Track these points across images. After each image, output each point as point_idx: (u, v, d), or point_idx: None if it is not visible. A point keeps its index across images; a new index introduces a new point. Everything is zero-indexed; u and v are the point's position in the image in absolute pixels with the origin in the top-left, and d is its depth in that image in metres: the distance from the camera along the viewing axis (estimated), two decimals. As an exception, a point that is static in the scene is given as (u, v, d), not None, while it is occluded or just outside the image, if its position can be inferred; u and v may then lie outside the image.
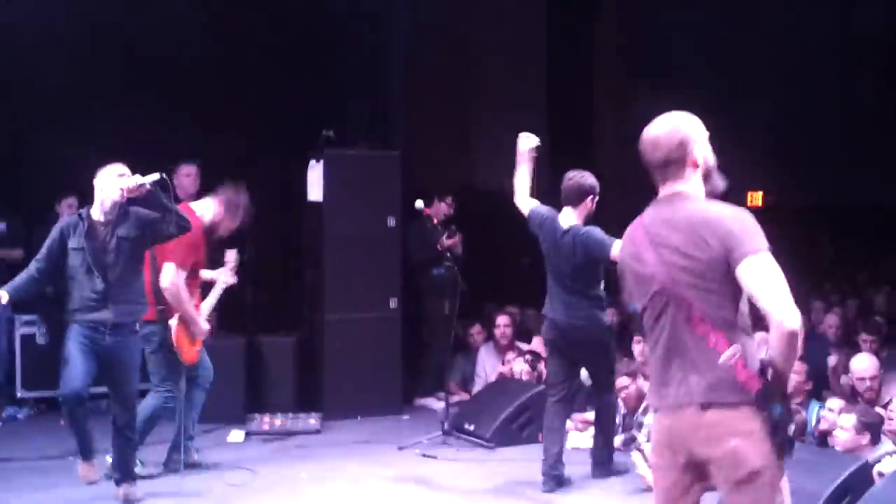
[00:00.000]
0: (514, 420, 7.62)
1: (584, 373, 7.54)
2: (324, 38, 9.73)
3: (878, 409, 6.33)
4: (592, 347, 6.56)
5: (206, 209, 6.61)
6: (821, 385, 7.45)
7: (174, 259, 6.30)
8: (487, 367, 9.12)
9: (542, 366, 8.35)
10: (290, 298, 9.12)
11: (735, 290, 3.31)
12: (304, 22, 9.74)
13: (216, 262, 6.94)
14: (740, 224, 3.35)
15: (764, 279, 3.26)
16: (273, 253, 9.26)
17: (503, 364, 8.78)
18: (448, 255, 8.50)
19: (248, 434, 7.79)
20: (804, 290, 11.68)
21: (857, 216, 14.56)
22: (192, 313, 6.44)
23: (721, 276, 3.31)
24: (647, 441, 6.44)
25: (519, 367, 8.42)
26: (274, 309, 9.02)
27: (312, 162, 8.60)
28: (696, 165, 3.51)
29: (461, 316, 9.18)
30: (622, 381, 7.30)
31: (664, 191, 3.53)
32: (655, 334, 3.49)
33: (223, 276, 6.98)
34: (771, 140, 14.59)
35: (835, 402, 6.46)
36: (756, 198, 15.41)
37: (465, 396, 8.91)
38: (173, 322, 6.36)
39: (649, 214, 3.55)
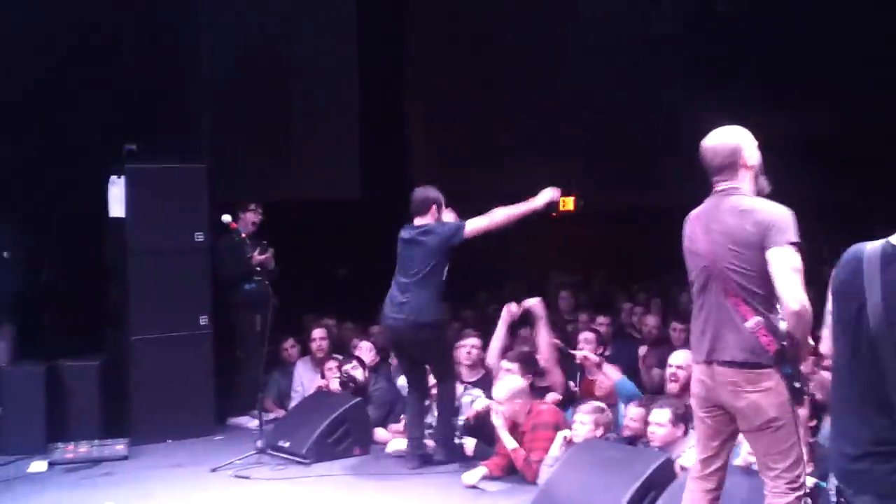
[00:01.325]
0: (330, 434, 7.51)
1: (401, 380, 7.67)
2: (125, 48, 9.41)
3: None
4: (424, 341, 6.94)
5: None
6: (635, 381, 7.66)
7: None
8: (305, 381, 8.97)
9: (362, 376, 8.28)
10: (93, 319, 8.73)
11: (766, 271, 4.09)
12: (104, 32, 9.39)
13: None
14: (778, 218, 4.15)
15: (783, 267, 4.07)
16: (72, 272, 8.87)
17: (321, 377, 8.66)
18: (258, 269, 8.32)
19: (51, 464, 7.41)
20: (613, 290, 12.05)
21: (663, 218, 15.05)
22: None
23: (756, 258, 4.12)
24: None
25: (335, 383, 8.32)
26: (75, 331, 8.62)
27: (113, 177, 8.28)
28: (746, 168, 4.33)
29: (277, 331, 9.02)
30: None
31: (719, 186, 4.35)
32: (700, 301, 4.35)
33: None
34: (580, 145, 14.94)
35: (633, 411, 6.61)
36: (567, 202, 15.77)
37: (281, 413, 8.74)
38: None
39: (706, 205, 4.41)
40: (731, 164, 4.33)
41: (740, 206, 4.26)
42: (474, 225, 7.06)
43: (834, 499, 3.28)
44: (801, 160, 10.98)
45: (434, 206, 7.13)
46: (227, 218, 7.96)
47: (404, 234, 7.22)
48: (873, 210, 9.63)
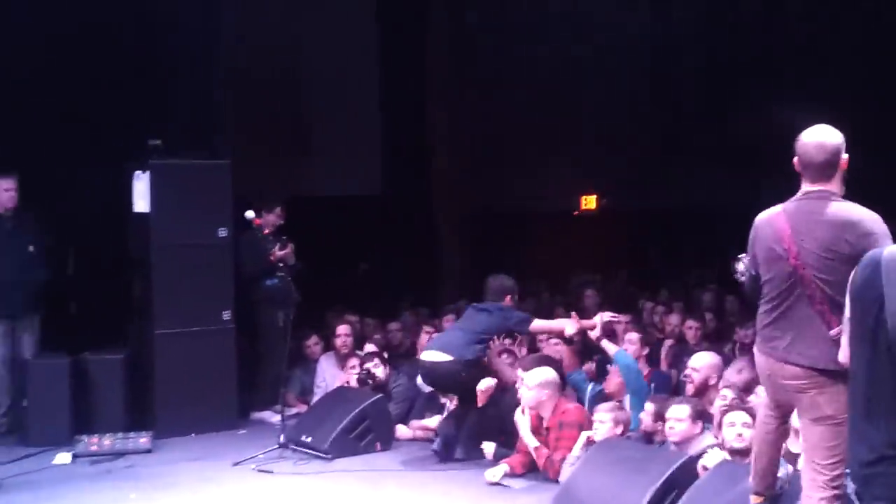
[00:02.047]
0: (352, 430, 7.54)
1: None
2: (147, 45, 9.46)
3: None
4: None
5: None
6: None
7: None
8: (328, 377, 9.00)
9: (384, 373, 8.32)
10: (118, 313, 8.79)
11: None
12: (126, 30, 9.45)
13: None
14: (876, 229, 4.13)
15: None
16: (97, 266, 8.93)
17: (344, 373, 8.68)
18: (281, 265, 8.36)
19: (75, 456, 7.46)
20: (634, 290, 12.04)
21: (688, 219, 15.02)
22: None
23: (848, 269, 3.93)
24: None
25: (356, 377, 8.33)
26: (100, 325, 8.68)
27: (138, 172, 8.33)
28: (842, 169, 4.31)
29: (299, 326, 9.06)
30: None
31: (812, 187, 4.30)
32: (775, 302, 4.37)
33: None
34: (602, 144, 14.93)
35: (649, 406, 6.62)
36: (590, 201, 15.78)
37: (304, 409, 8.77)
38: None
39: (794, 206, 4.35)
40: (831, 165, 4.30)
41: (840, 215, 4.22)
42: (537, 324, 7.63)
43: (856, 502, 3.29)
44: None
45: (508, 296, 7.57)
46: (250, 214, 8.00)
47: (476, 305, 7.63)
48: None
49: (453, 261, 13.42)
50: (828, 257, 4.19)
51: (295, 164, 12.33)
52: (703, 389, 6.79)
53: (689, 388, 6.78)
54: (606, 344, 7.37)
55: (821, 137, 4.35)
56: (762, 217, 4.52)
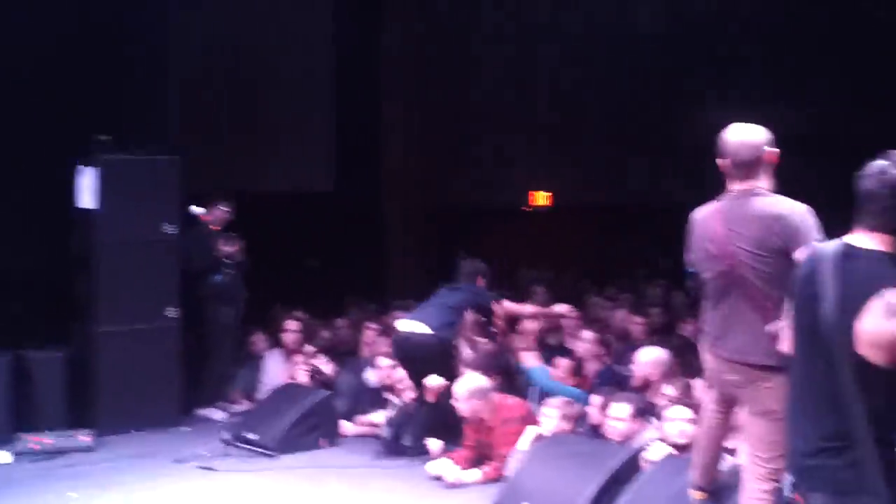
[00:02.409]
0: (298, 427, 7.50)
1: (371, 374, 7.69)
2: (97, 38, 9.32)
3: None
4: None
5: None
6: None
7: None
8: (273, 374, 8.93)
9: (329, 370, 8.29)
10: (60, 310, 8.65)
11: (788, 276, 3.85)
12: (72, 20, 9.29)
13: None
14: (803, 220, 4.18)
15: None
16: (38, 262, 8.77)
17: (289, 369, 8.63)
18: (228, 261, 8.29)
19: (16, 454, 7.34)
20: (584, 286, 12.07)
21: (637, 215, 15.11)
22: None
23: (780, 263, 4.11)
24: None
25: (303, 375, 8.31)
26: (42, 321, 8.53)
27: (81, 167, 8.21)
28: (767, 165, 4.35)
29: (247, 323, 9.00)
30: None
31: (741, 185, 4.34)
32: (716, 301, 4.43)
33: None
34: (555, 141, 14.96)
35: (596, 399, 6.63)
36: (540, 197, 15.79)
37: (249, 405, 8.69)
38: None
39: (725, 204, 4.38)
40: (755, 161, 4.33)
41: (767, 210, 4.26)
42: (508, 305, 7.81)
43: (789, 495, 3.31)
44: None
45: (480, 276, 7.72)
46: (196, 209, 7.92)
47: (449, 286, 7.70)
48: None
49: (403, 258, 13.40)
50: (761, 253, 4.23)
51: (246, 160, 12.22)
52: (648, 384, 6.83)
53: (634, 383, 6.81)
54: (527, 357, 7.47)
55: (745, 135, 4.38)
56: (698, 215, 4.55)
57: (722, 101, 12.10)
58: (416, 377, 7.31)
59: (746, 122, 4.48)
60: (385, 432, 7.39)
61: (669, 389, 6.36)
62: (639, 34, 14.73)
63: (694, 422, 5.68)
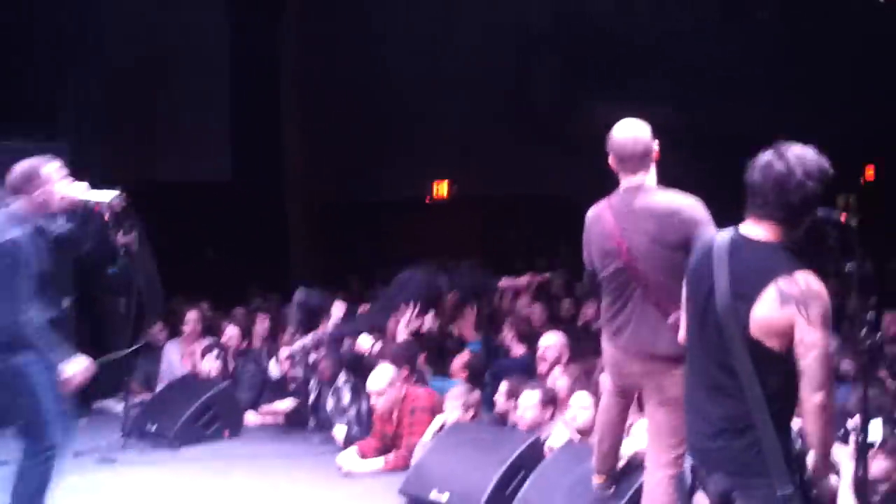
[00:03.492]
0: (198, 418, 7.46)
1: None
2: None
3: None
4: None
5: None
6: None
7: None
8: (174, 364, 8.82)
9: (230, 360, 8.23)
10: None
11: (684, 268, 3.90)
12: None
13: None
14: (698, 214, 4.26)
15: None
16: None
17: (194, 362, 8.52)
18: (123, 251, 8.12)
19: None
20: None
21: (538, 206, 15.31)
22: None
23: (676, 256, 4.13)
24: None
25: (209, 364, 8.20)
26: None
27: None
28: (654, 161, 4.41)
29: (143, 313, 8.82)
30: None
31: (631, 181, 4.39)
32: (615, 296, 4.46)
33: None
34: (455, 133, 15.04)
35: (503, 386, 6.71)
36: (441, 188, 15.89)
37: (149, 396, 8.56)
38: None
39: (618, 201, 4.43)
40: (643, 157, 4.39)
41: (662, 205, 4.33)
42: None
43: (689, 479, 3.42)
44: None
45: None
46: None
47: None
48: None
49: (303, 249, 13.34)
50: (656, 248, 4.31)
51: (141, 149, 12.01)
52: (552, 369, 6.92)
53: (543, 367, 6.90)
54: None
55: (634, 131, 4.44)
56: (591, 213, 4.59)
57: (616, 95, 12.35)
58: None
59: (634, 117, 4.57)
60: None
61: (565, 375, 6.49)
62: (539, 34, 14.94)
63: (591, 408, 5.81)
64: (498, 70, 15.21)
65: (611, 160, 4.49)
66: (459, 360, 7.73)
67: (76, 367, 5.37)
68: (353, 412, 7.30)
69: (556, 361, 6.90)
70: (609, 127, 4.56)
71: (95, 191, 5.72)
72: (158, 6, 12.14)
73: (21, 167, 5.43)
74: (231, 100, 13.07)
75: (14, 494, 5.21)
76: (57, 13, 9.48)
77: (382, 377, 6.76)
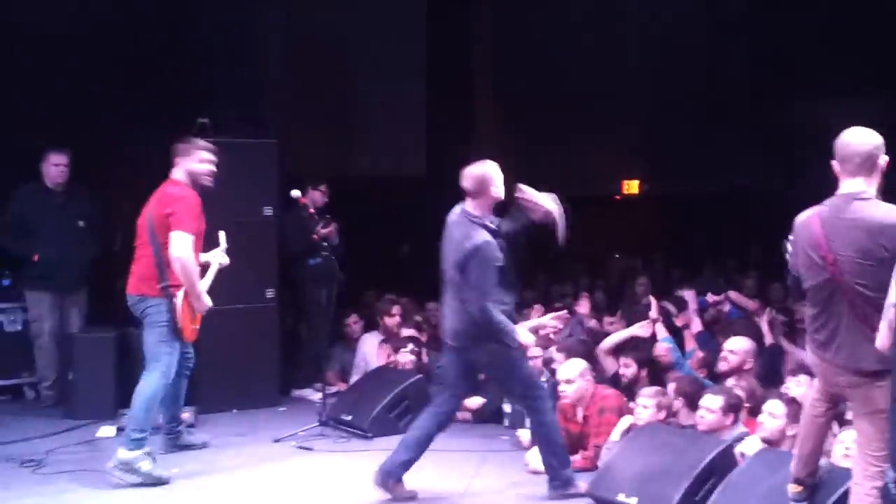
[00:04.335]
0: (391, 409, 7.61)
1: None
2: (199, 22, 9.54)
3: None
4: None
5: (180, 174, 6.60)
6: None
7: (184, 228, 6.24)
8: (369, 356, 9.07)
9: (424, 354, 8.40)
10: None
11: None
12: (175, 4, 9.53)
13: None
14: None
15: None
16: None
17: (390, 354, 8.72)
18: (324, 244, 8.41)
19: (119, 430, 7.50)
20: (677, 277, 12.00)
21: (728, 204, 14.96)
22: (196, 286, 6.39)
23: (885, 271, 4.02)
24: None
25: (404, 357, 8.39)
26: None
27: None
28: (879, 171, 4.35)
29: (340, 305, 9.13)
30: None
31: (847, 188, 4.34)
32: (819, 307, 4.42)
33: (218, 257, 6.93)
34: (646, 130, 14.86)
35: (671, 385, 6.65)
36: (632, 186, 15.72)
37: (344, 387, 8.85)
38: (179, 297, 6.28)
39: (828, 210, 4.37)
40: (864, 162, 4.34)
41: (875, 219, 4.25)
42: None
43: (894, 491, 3.31)
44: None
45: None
46: (296, 193, 8.05)
47: None
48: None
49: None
50: (865, 262, 4.23)
51: (340, 145, 12.39)
52: (736, 372, 6.78)
53: (723, 366, 6.82)
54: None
55: (860, 133, 4.39)
56: (800, 220, 4.53)
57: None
58: None
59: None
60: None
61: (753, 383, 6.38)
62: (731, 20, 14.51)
63: (779, 417, 5.74)
64: (688, 58, 14.90)
65: (834, 163, 4.43)
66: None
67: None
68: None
69: (739, 366, 6.75)
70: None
71: (540, 193, 6.10)
72: (354, 3, 12.46)
73: (474, 172, 6.03)
74: (427, 93, 13.28)
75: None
76: (259, 15, 9.90)
77: (573, 367, 6.77)
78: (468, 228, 5.91)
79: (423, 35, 13.31)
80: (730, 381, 6.61)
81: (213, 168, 6.66)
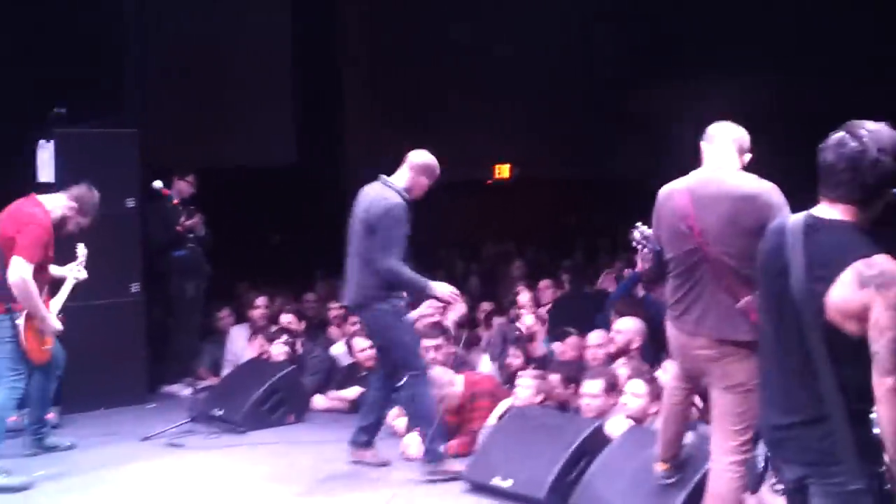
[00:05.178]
0: (264, 402, 7.50)
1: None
2: (57, 9, 9.18)
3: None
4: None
5: (56, 204, 6.48)
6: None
7: (25, 255, 6.13)
8: (239, 349, 8.91)
9: (299, 346, 8.28)
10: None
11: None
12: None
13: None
14: (774, 199, 4.26)
15: None
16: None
17: (263, 346, 8.58)
18: (190, 235, 8.22)
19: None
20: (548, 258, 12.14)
21: (599, 188, 15.20)
22: (40, 310, 6.26)
23: (750, 241, 3.91)
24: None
25: (277, 349, 8.25)
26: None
27: (42, 141, 8.10)
28: (744, 152, 4.51)
29: (211, 298, 8.94)
30: None
31: (712, 162, 4.46)
32: (682, 278, 4.46)
33: (74, 272, 6.80)
34: (518, 116, 14.97)
35: (558, 375, 6.67)
36: (503, 171, 15.82)
37: (215, 381, 8.66)
38: (21, 320, 6.17)
39: (695, 182, 4.45)
40: (736, 148, 4.48)
41: (740, 189, 4.33)
42: None
43: (759, 467, 3.36)
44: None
45: None
46: (158, 184, 7.86)
47: None
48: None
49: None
50: (731, 232, 4.29)
51: (207, 134, 12.11)
52: (625, 352, 6.85)
53: (610, 349, 6.89)
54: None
55: (729, 127, 4.55)
56: (664, 191, 4.59)
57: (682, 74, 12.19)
58: None
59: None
60: None
61: (624, 365, 6.45)
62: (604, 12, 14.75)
63: (648, 396, 5.83)
64: (560, 46, 15.07)
65: (702, 143, 4.56)
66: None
67: None
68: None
69: (627, 346, 6.83)
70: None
71: None
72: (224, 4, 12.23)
73: (424, 156, 6.30)
74: (293, 83, 13.12)
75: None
76: (122, 3, 9.60)
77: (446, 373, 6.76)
78: (384, 191, 6.12)
79: (288, 23, 13.12)
80: (619, 361, 6.64)
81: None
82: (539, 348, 7.99)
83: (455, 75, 14.41)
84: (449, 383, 6.69)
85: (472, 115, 14.38)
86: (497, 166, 15.86)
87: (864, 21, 12.65)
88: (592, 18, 15.55)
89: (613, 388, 6.26)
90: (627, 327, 6.97)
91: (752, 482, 3.55)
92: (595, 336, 7.16)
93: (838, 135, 3.13)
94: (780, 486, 3.39)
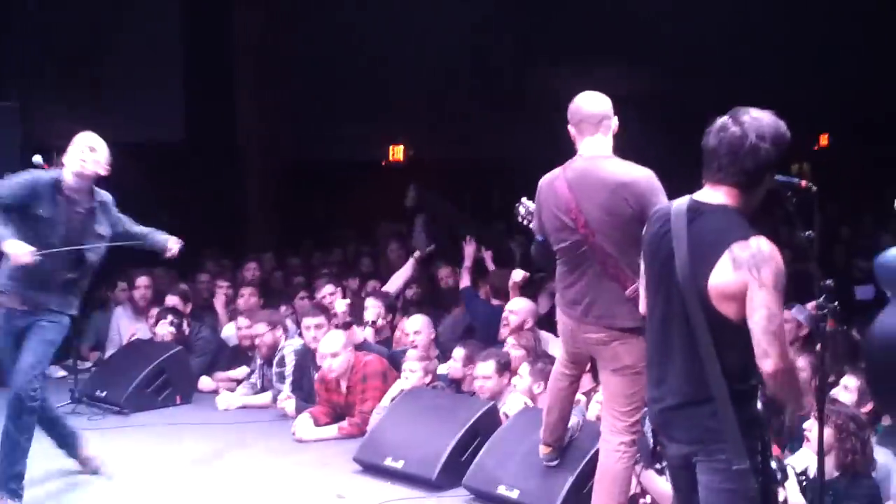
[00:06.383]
0: (149, 384, 7.35)
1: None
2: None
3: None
4: None
5: None
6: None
7: None
8: (123, 329, 8.68)
9: (185, 326, 8.10)
10: None
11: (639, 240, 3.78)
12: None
13: None
14: (651, 185, 4.31)
15: None
16: None
17: (140, 325, 8.39)
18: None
19: None
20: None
21: (488, 170, 15.28)
22: None
23: (633, 228, 4.05)
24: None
25: (163, 329, 8.06)
26: None
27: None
28: (611, 131, 4.48)
29: (101, 276, 8.66)
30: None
31: (587, 148, 4.45)
32: (569, 266, 4.48)
33: None
34: (414, 99, 14.92)
35: (458, 352, 6.67)
36: (397, 152, 15.79)
37: (99, 362, 8.42)
38: None
39: (572, 171, 4.44)
40: (600, 122, 4.44)
41: (616, 177, 4.34)
42: None
43: (651, 444, 3.39)
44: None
45: None
46: (38, 159, 7.54)
47: None
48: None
49: (258, 212, 13.19)
50: (611, 221, 4.34)
51: (91, 110, 11.74)
52: (518, 331, 6.85)
53: (504, 332, 6.88)
54: None
55: (591, 97, 4.51)
56: (545, 181, 4.59)
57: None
58: None
59: (592, 84, 4.57)
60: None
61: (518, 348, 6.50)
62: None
63: (497, 373, 6.06)
64: (455, 42, 15.08)
65: (570, 127, 4.50)
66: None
67: None
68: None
69: (521, 325, 6.84)
70: (564, 92, 4.56)
71: None
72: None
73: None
74: (184, 58, 12.83)
75: None
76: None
77: (336, 340, 6.68)
78: None
79: (177, 11, 12.82)
80: (510, 341, 6.65)
81: None
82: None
83: (351, 55, 14.28)
84: (331, 355, 6.63)
85: (367, 98, 14.28)
86: (392, 147, 15.83)
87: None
88: (493, 4, 15.56)
89: (505, 366, 6.27)
90: (521, 307, 6.98)
91: (646, 458, 3.60)
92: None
93: (722, 119, 3.17)
94: (659, 466, 3.45)
